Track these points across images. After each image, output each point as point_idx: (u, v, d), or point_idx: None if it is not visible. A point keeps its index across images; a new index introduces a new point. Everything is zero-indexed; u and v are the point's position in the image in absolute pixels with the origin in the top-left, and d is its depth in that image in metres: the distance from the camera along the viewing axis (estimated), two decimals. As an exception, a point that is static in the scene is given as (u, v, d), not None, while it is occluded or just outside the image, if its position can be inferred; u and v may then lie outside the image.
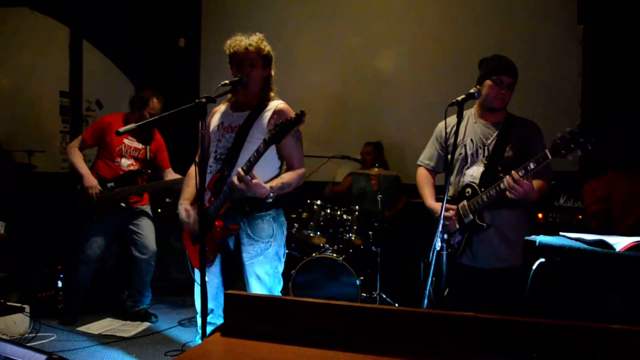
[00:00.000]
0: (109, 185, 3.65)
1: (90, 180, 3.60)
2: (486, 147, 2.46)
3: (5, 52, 6.16)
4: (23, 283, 3.89)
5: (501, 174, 2.31)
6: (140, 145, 3.81)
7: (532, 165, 2.14)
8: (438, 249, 2.13)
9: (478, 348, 0.92)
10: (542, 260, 1.46)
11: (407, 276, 4.58)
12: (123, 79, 5.59)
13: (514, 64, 2.47)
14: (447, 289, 2.67)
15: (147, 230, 3.83)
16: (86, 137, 3.72)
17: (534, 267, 1.45)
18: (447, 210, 2.46)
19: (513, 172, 2.18)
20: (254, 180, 2.12)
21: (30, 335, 3.42)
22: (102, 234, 3.74)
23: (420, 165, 2.77)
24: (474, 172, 2.45)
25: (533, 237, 1.55)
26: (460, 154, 2.52)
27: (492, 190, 2.30)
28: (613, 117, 3.93)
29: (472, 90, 2.33)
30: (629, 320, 1.21)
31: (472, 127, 2.53)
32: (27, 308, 3.48)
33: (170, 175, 3.93)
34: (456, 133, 2.32)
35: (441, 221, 2.14)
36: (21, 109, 6.00)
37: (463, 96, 2.25)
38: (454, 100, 2.23)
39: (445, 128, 2.56)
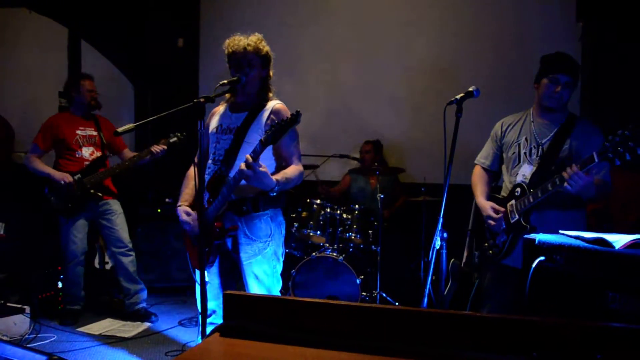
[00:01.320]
0: (76, 177, 3.64)
1: (59, 173, 3.61)
2: (541, 147, 2.39)
3: (3, 53, 6.16)
4: (23, 284, 3.89)
5: (556, 175, 2.18)
6: (94, 132, 3.82)
7: (578, 168, 2.06)
8: (438, 247, 2.12)
9: (478, 347, 0.92)
10: (542, 258, 1.46)
11: (407, 275, 4.59)
12: (122, 79, 5.58)
13: (575, 62, 2.39)
14: (447, 288, 2.67)
15: (119, 224, 3.82)
16: (38, 143, 3.71)
17: (534, 265, 1.45)
18: (496, 211, 2.44)
19: (573, 165, 2.09)
20: (260, 168, 2.11)
21: (31, 336, 3.42)
22: (79, 229, 3.73)
23: (476, 164, 2.74)
24: (526, 172, 2.40)
25: (532, 236, 1.55)
26: (514, 152, 2.48)
27: (538, 190, 2.23)
28: (613, 115, 3.93)
29: (471, 89, 2.30)
30: (628, 318, 1.21)
31: (529, 126, 2.47)
32: (27, 309, 3.48)
33: (129, 154, 3.91)
34: (454, 132, 2.27)
35: (441, 219, 2.14)
36: (20, 109, 6.00)
37: (462, 94, 2.25)
38: (452, 99, 2.23)
39: (502, 126, 2.52)
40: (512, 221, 2.37)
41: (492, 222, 2.45)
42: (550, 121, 2.42)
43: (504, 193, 2.52)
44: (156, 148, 3.66)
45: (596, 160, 1.99)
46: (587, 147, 2.28)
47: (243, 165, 2.08)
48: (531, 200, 2.26)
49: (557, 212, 2.30)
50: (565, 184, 2.09)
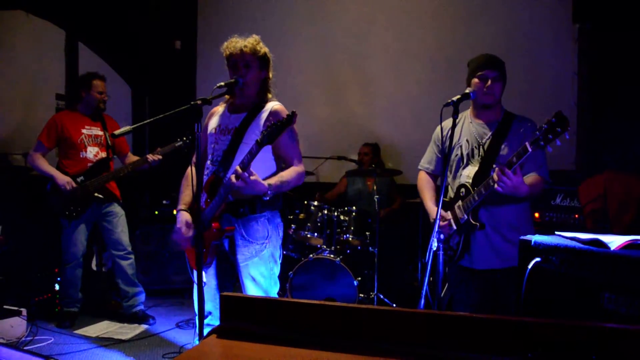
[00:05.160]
0: (78, 179, 3.62)
1: (62, 177, 3.57)
2: (481, 147, 2.44)
3: (0, 55, 6.15)
4: (20, 286, 3.88)
5: (489, 177, 2.25)
6: (100, 132, 3.80)
7: (514, 159, 2.12)
8: (434, 249, 2.13)
9: (474, 348, 0.92)
10: (538, 259, 1.46)
11: (404, 277, 4.59)
12: (119, 81, 5.58)
13: (498, 58, 2.47)
14: (444, 289, 2.67)
15: (120, 227, 3.81)
16: (43, 140, 3.68)
17: (530, 266, 1.45)
18: (442, 218, 2.46)
19: (500, 166, 2.17)
20: (251, 177, 2.11)
21: (28, 338, 3.41)
22: (80, 232, 3.72)
23: (420, 170, 2.77)
24: (469, 172, 2.44)
25: (529, 237, 1.55)
26: (457, 155, 2.52)
27: (481, 187, 2.28)
28: (609, 117, 3.94)
29: (467, 91, 2.34)
30: (623, 319, 1.22)
31: (468, 128, 2.52)
32: (24, 311, 3.47)
33: (132, 159, 3.88)
34: (451, 135, 2.31)
35: (437, 221, 2.14)
36: (17, 111, 5.98)
37: (458, 96, 2.27)
38: (449, 101, 2.24)
39: (442, 131, 2.57)
40: (461, 222, 2.40)
41: (442, 224, 2.48)
42: (487, 121, 2.48)
43: (450, 195, 2.55)
44: (151, 157, 3.63)
45: (529, 150, 2.05)
46: (526, 141, 2.27)
47: (233, 178, 2.09)
48: (476, 198, 2.30)
49: (502, 207, 2.37)
50: (495, 186, 2.17)
